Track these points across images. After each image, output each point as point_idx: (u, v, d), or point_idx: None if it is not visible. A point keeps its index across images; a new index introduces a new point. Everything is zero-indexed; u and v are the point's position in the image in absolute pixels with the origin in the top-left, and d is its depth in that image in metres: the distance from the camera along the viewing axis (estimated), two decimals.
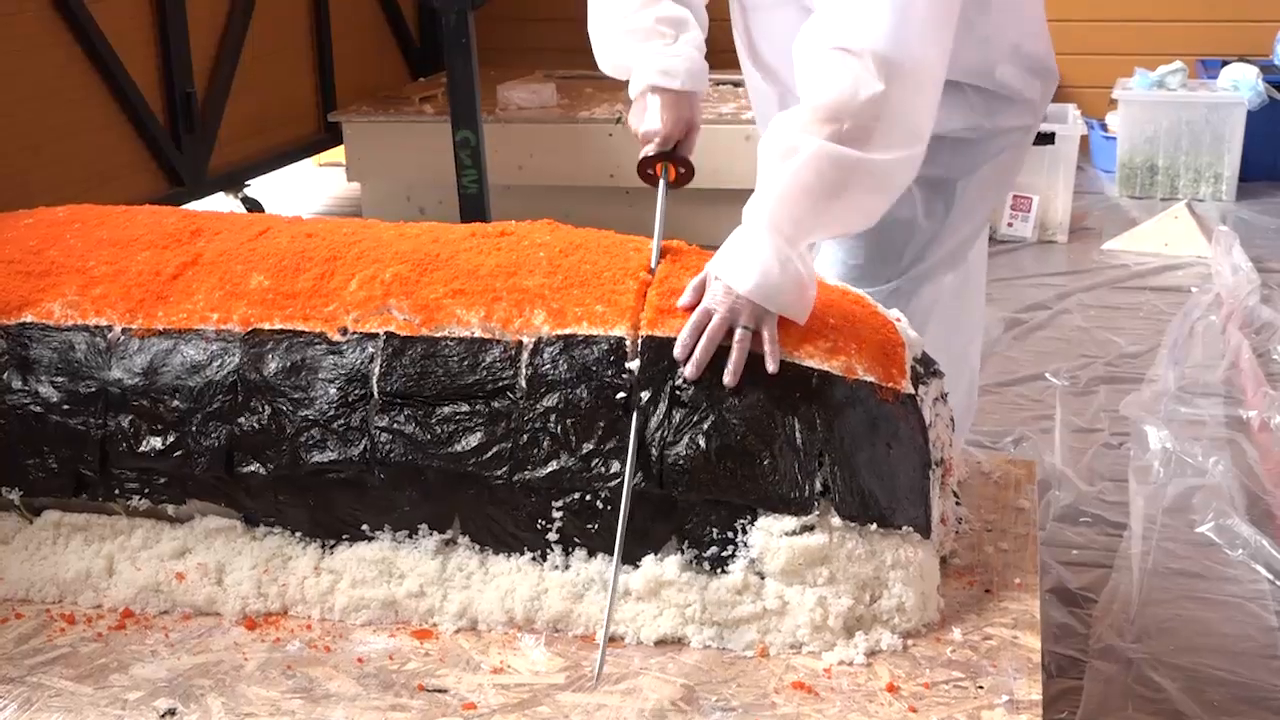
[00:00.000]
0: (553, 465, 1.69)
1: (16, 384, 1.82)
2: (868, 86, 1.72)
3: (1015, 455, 3.37)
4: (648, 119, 1.99)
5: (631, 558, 1.69)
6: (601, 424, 1.68)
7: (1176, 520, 3.09)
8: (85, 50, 4.32)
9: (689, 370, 1.66)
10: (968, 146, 2.19)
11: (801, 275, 1.71)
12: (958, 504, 1.93)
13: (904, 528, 1.67)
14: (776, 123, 1.77)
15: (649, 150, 1.99)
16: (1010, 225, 5.42)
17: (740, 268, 1.69)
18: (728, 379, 1.66)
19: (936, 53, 1.81)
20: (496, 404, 1.71)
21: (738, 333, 1.67)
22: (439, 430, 1.71)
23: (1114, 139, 6.18)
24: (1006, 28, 2.14)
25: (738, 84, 5.78)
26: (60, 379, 1.81)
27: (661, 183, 1.98)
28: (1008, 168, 2.31)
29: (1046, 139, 5.17)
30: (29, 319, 1.85)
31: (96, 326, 1.83)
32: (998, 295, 4.65)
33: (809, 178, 1.72)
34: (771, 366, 1.66)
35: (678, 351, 1.68)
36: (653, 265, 1.80)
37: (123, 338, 1.82)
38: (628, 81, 2.07)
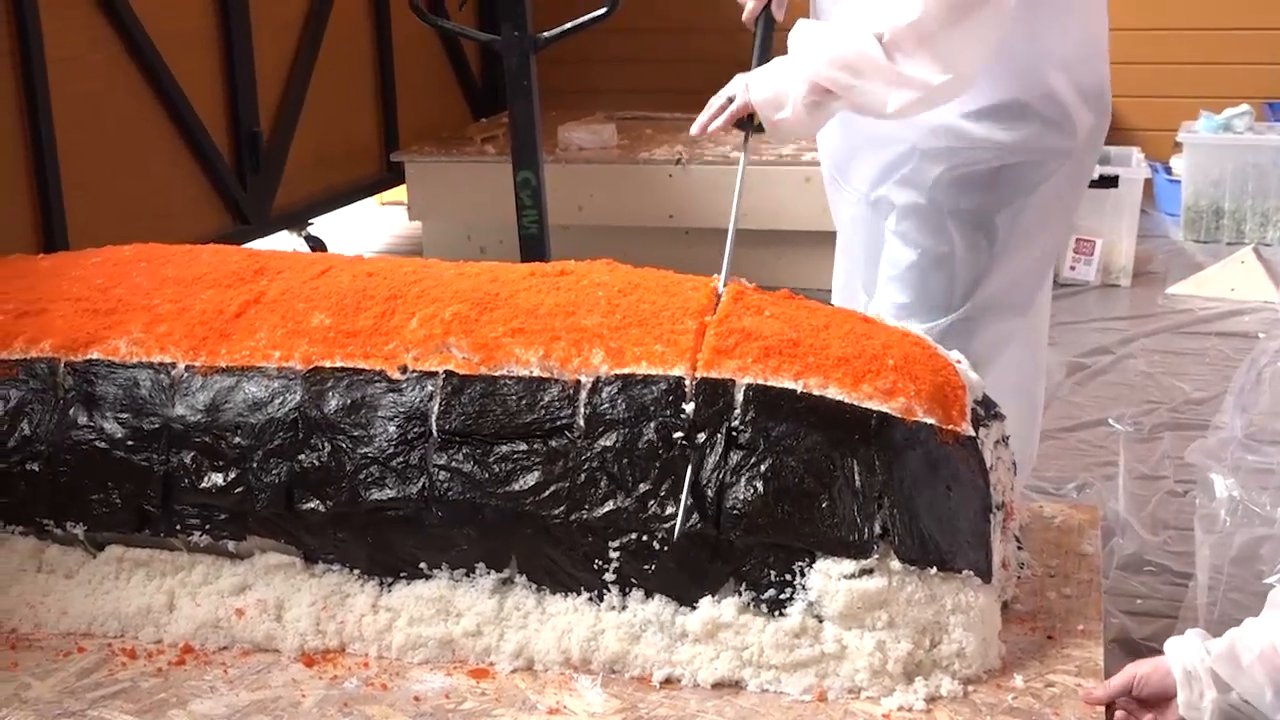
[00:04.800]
0: (609, 505, 1.68)
1: (82, 419, 1.84)
2: (911, 11, 1.97)
3: (1078, 501, 3.32)
4: None
5: (689, 599, 1.68)
6: (658, 465, 1.68)
7: (1243, 570, 3.03)
8: (155, 91, 4.39)
9: (694, 128, 2.16)
10: (999, 177, 2.18)
11: (800, 109, 2.09)
12: (1019, 549, 1.90)
13: (964, 572, 1.65)
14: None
15: None
16: (1073, 269, 5.37)
17: (764, 85, 2.10)
18: (694, 129, 2.16)
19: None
20: (554, 443, 1.71)
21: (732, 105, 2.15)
22: (497, 469, 1.72)
23: (1178, 182, 6.11)
24: (1059, 33, 2.16)
25: None
26: (125, 415, 1.83)
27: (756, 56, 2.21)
28: (1054, 204, 2.28)
29: (1110, 182, 5.13)
30: (95, 355, 1.87)
31: (161, 364, 1.85)
32: (1060, 339, 4.61)
33: (846, 53, 2.02)
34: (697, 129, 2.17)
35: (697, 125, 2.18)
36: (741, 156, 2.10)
37: (186, 375, 1.84)
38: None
